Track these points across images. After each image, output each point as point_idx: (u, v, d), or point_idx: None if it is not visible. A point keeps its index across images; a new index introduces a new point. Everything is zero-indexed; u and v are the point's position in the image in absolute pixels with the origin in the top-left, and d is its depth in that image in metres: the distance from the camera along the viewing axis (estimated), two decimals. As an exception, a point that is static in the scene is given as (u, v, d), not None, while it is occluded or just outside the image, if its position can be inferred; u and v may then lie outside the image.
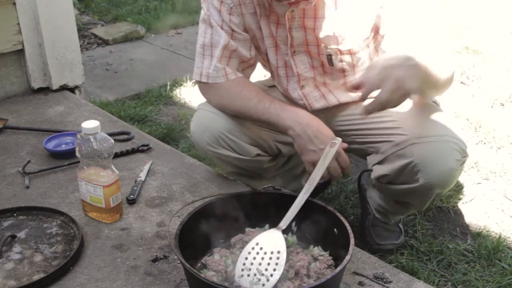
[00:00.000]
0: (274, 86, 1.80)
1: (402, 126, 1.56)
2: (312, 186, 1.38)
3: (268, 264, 1.29)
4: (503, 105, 2.94)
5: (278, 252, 1.30)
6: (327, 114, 1.71)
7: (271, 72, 1.76)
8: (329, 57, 1.58)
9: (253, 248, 1.32)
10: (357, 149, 1.72)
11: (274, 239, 1.33)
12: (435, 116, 1.57)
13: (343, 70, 1.62)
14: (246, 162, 1.73)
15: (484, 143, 2.55)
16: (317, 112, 1.67)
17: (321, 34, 1.54)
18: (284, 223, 1.34)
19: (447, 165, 1.48)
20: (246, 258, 1.31)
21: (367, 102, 1.37)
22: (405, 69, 1.29)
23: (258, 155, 1.72)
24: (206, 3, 1.62)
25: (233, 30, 1.61)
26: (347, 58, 1.57)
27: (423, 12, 1.48)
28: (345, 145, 1.53)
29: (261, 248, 1.32)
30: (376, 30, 1.55)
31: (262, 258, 1.30)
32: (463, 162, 1.53)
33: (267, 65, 1.76)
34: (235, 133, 1.67)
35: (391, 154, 1.54)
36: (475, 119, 2.74)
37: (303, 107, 1.70)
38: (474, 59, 3.54)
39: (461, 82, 3.24)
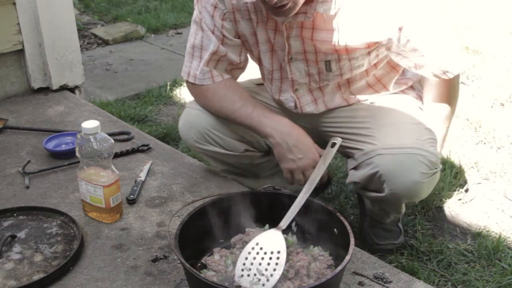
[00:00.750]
0: (263, 84, 1.81)
1: (374, 135, 1.57)
2: (312, 186, 1.38)
3: (268, 264, 1.29)
4: (503, 105, 2.94)
5: (278, 252, 1.30)
6: (314, 116, 1.72)
7: (263, 74, 1.77)
8: (328, 62, 1.58)
9: (253, 248, 1.32)
10: (340, 151, 1.73)
11: (274, 239, 1.33)
12: (410, 127, 1.57)
13: (340, 74, 1.62)
14: (235, 158, 1.74)
15: (484, 143, 2.55)
16: (305, 115, 1.68)
17: (319, 43, 1.54)
18: (284, 223, 1.34)
19: (410, 178, 1.49)
20: (246, 258, 1.31)
21: None
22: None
23: (246, 150, 1.73)
24: (199, 5, 1.62)
25: (224, 36, 1.61)
26: (346, 63, 1.58)
27: (442, 29, 1.50)
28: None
29: (261, 248, 1.32)
30: (384, 46, 1.54)
31: (262, 258, 1.30)
32: (433, 174, 1.52)
33: (259, 67, 1.76)
34: (221, 130, 1.69)
35: (362, 162, 1.57)
36: (475, 119, 2.74)
37: (293, 109, 1.72)
38: (474, 59, 3.54)
39: (461, 82, 3.23)
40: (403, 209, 1.72)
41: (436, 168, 1.52)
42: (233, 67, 1.69)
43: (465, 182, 2.26)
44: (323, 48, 1.54)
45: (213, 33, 1.60)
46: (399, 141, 1.51)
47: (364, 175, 1.55)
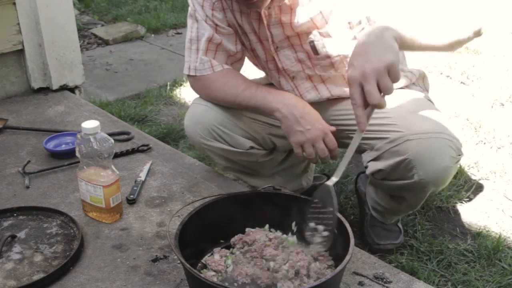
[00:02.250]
0: (271, 84, 1.81)
1: (398, 123, 1.55)
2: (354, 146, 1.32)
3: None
4: (503, 105, 2.94)
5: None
6: (320, 108, 1.71)
7: (262, 67, 1.77)
8: (312, 44, 1.58)
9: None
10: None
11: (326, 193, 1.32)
12: (430, 114, 1.57)
13: (331, 63, 1.62)
14: (240, 155, 1.74)
15: (484, 143, 2.55)
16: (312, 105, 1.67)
17: (299, 24, 1.54)
18: (336, 176, 1.31)
19: (442, 163, 1.48)
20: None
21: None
22: (377, 52, 1.22)
23: (251, 147, 1.73)
24: None
25: (216, 25, 1.63)
26: (329, 42, 1.57)
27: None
28: (333, 128, 1.55)
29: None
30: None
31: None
32: (458, 160, 1.52)
33: (256, 61, 1.77)
34: (228, 126, 1.69)
35: (386, 151, 1.54)
36: (475, 119, 2.74)
37: None
38: (474, 59, 3.54)
39: (461, 82, 3.24)
40: (421, 203, 1.68)
41: (460, 155, 1.51)
42: (233, 60, 1.70)
43: (465, 182, 2.26)
44: (303, 27, 1.55)
45: (206, 22, 1.63)
46: (426, 127, 1.49)
47: (390, 163, 1.53)
